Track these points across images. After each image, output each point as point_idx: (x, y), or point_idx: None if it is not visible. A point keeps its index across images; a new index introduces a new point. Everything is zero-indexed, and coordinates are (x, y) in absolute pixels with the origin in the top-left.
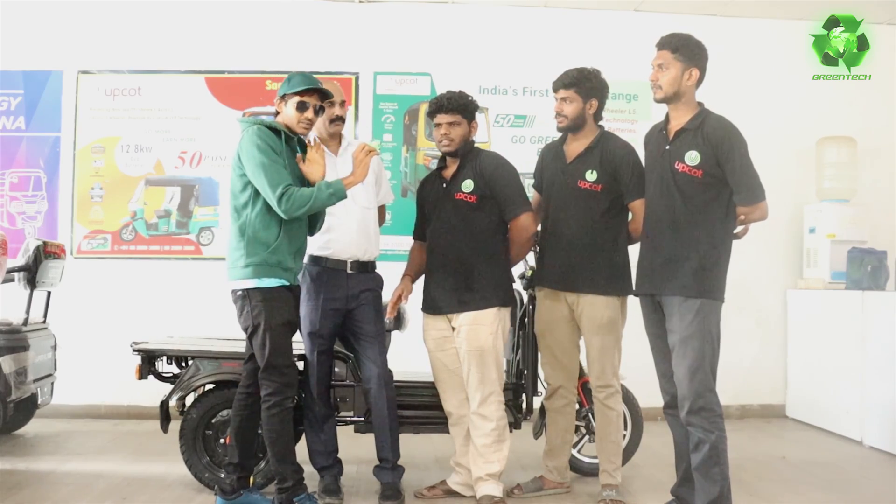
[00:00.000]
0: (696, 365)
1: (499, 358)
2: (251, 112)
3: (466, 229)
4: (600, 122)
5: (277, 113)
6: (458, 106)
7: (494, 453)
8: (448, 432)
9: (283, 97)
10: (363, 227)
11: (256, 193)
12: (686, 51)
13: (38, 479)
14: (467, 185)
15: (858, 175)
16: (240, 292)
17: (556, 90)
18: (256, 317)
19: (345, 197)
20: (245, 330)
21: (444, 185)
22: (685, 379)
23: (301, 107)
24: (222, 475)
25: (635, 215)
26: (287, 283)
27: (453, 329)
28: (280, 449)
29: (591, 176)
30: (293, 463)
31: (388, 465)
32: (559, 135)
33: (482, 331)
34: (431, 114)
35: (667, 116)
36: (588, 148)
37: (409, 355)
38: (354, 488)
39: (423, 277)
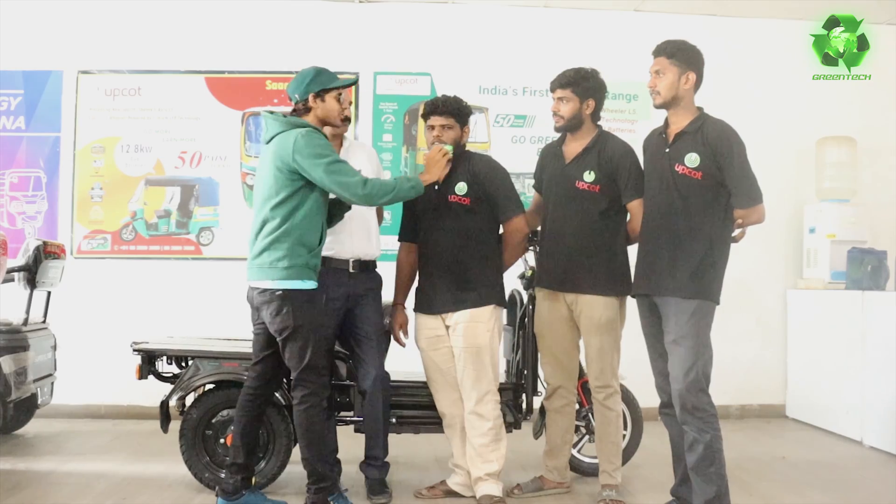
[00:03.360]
0: (689, 365)
1: (494, 357)
2: (252, 112)
3: (461, 232)
4: (599, 122)
5: (308, 110)
6: (453, 109)
7: (492, 452)
8: None
9: (320, 94)
10: (364, 227)
11: (305, 196)
12: (681, 55)
13: (38, 479)
14: (461, 187)
15: (858, 175)
16: (279, 293)
17: (552, 90)
18: (298, 318)
19: (422, 192)
20: (280, 331)
21: (437, 187)
22: (679, 379)
23: (340, 97)
24: (223, 475)
25: (633, 215)
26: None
27: (447, 328)
28: (318, 448)
29: (588, 176)
30: (329, 462)
31: (378, 462)
32: (559, 135)
33: (479, 328)
34: (425, 115)
35: (666, 121)
36: (586, 148)
37: (408, 355)
38: (354, 488)
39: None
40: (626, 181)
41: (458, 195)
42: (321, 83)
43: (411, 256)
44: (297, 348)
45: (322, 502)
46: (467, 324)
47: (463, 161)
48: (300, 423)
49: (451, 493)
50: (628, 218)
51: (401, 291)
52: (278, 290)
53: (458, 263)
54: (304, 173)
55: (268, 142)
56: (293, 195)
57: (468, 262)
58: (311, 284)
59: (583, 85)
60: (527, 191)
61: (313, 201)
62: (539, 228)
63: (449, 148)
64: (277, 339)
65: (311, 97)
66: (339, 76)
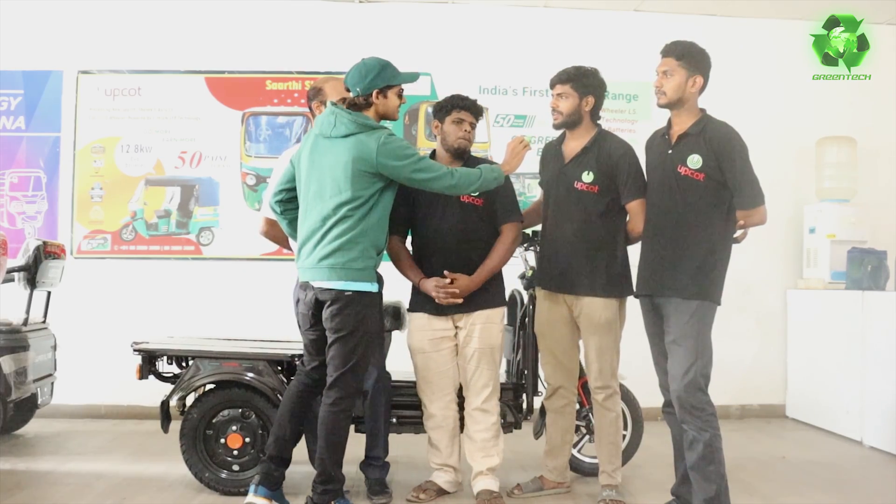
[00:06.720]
0: (687, 365)
1: (501, 354)
2: (251, 112)
3: (474, 232)
4: (598, 122)
5: (369, 105)
6: (481, 111)
7: (493, 447)
8: None
9: (383, 90)
10: None
11: (380, 198)
12: (690, 58)
13: (38, 479)
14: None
15: (858, 175)
16: (349, 293)
17: (552, 86)
18: (362, 320)
19: (503, 182)
20: (338, 330)
21: None
22: (677, 378)
23: (401, 93)
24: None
25: (633, 216)
26: None
27: (457, 328)
28: (338, 452)
29: (587, 177)
30: (341, 466)
31: (378, 462)
32: (559, 136)
33: (493, 329)
34: (458, 108)
35: (669, 122)
36: (585, 148)
37: (408, 355)
38: (355, 488)
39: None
40: (626, 181)
41: (471, 195)
42: (386, 79)
43: (404, 244)
44: (348, 350)
45: (325, 503)
46: (484, 325)
47: (470, 163)
48: (327, 423)
49: (444, 492)
50: (628, 218)
51: (415, 270)
52: (348, 291)
53: (473, 265)
54: (389, 174)
55: (331, 137)
56: (371, 197)
57: (480, 263)
58: (376, 287)
59: (582, 81)
60: (527, 191)
61: (386, 203)
62: (539, 228)
63: (528, 139)
64: (330, 337)
65: (374, 93)
66: (400, 72)
